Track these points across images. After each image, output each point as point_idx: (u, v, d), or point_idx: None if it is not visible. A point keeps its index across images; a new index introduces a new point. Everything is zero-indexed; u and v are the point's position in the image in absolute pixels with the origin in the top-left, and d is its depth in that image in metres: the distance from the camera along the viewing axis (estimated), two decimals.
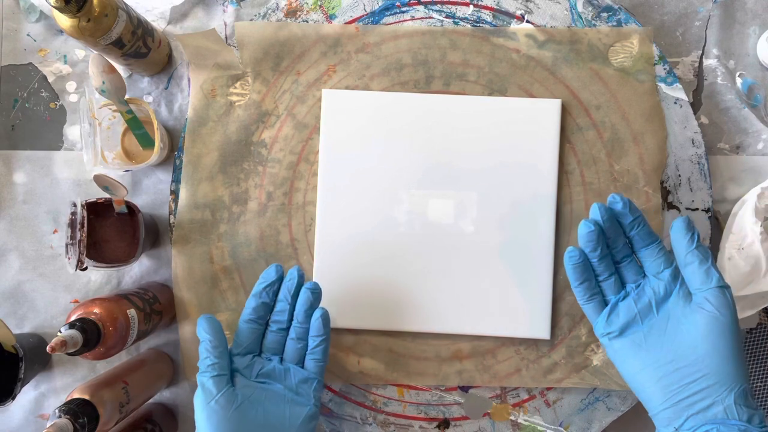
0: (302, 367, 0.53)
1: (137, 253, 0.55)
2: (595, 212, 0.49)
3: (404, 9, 0.60)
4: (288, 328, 0.53)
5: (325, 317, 0.52)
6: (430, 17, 0.60)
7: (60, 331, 0.45)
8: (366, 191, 0.58)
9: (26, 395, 0.61)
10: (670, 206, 0.59)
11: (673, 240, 0.48)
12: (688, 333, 0.46)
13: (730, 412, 0.43)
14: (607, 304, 0.50)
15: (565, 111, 0.59)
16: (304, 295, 0.52)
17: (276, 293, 0.53)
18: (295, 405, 0.50)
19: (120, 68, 0.59)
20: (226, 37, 0.61)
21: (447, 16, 0.60)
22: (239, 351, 0.52)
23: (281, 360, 0.53)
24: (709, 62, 0.61)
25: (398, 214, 0.58)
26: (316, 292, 0.52)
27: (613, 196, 0.48)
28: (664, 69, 0.59)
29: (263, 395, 0.50)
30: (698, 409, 0.44)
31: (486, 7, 0.59)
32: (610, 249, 0.50)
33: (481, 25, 0.59)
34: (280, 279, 0.53)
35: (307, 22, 0.60)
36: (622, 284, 0.51)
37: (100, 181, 0.52)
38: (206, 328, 0.50)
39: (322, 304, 0.53)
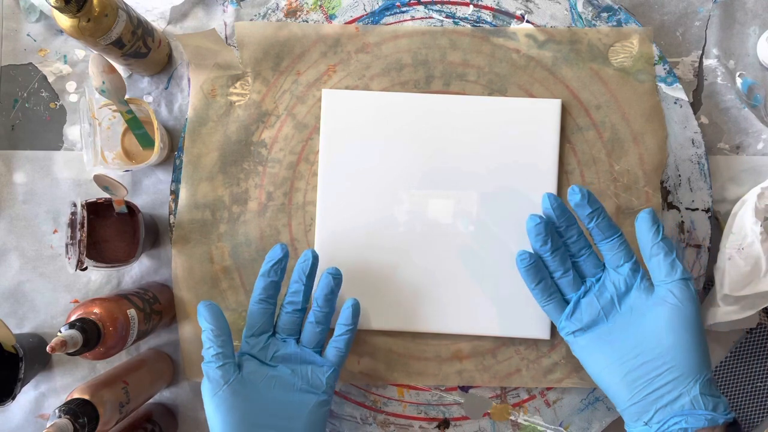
0: (319, 351, 0.52)
1: (137, 253, 0.55)
2: (545, 203, 0.48)
3: (404, 9, 0.60)
4: (303, 309, 0.52)
5: (356, 308, 0.52)
6: (430, 17, 0.60)
7: (60, 331, 0.45)
8: (366, 191, 0.58)
9: (26, 395, 0.61)
10: (670, 206, 0.59)
11: (639, 232, 0.48)
12: (652, 326, 0.46)
13: (697, 403, 0.43)
14: (567, 303, 0.50)
15: (565, 111, 0.59)
16: (325, 280, 0.52)
17: (283, 271, 0.52)
18: (305, 392, 0.50)
19: (120, 68, 0.60)
20: (226, 37, 0.61)
21: (447, 16, 0.60)
22: (253, 332, 0.51)
23: (297, 341, 0.52)
24: (709, 62, 0.61)
25: (398, 214, 0.58)
26: (338, 278, 0.52)
27: (572, 187, 0.48)
28: (664, 69, 0.59)
29: (273, 382, 0.49)
30: (666, 402, 0.44)
31: (486, 7, 0.59)
32: (564, 240, 0.50)
33: (481, 25, 0.59)
34: (286, 256, 0.52)
35: (307, 22, 0.60)
36: (582, 279, 0.50)
37: (100, 181, 0.52)
38: (207, 317, 0.49)
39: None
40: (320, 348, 0.53)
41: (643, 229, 0.47)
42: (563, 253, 0.49)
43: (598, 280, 0.50)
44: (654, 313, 0.46)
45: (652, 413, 0.44)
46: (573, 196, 0.48)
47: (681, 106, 0.59)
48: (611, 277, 0.49)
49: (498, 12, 0.59)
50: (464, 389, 0.59)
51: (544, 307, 0.51)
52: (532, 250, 0.50)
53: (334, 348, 0.52)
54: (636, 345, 0.46)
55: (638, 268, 0.49)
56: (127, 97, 0.56)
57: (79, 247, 0.52)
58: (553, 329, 0.58)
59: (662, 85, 0.59)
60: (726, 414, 0.43)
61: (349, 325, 0.52)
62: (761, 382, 0.61)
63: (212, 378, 0.47)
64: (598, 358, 0.47)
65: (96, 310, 0.49)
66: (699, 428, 0.43)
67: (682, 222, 0.59)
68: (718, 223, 0.60)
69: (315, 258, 0.52)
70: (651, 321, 0.46)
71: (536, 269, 0.49)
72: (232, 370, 0.48)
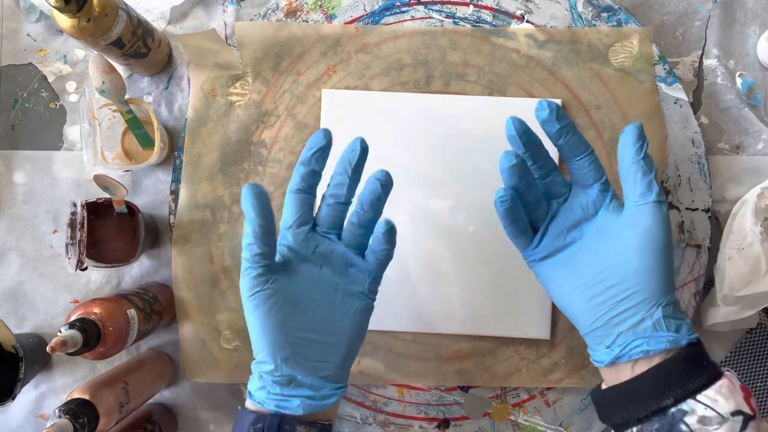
0: (360, 255, 0.48)
1: (137, 253, 0.55)
2: (509, 127, 0.45)
3: (404, 9, 0.60)
4: (347, 203, 0.47)
5: (391, 231, 0.47)
6: (430, 17, 0.60)
7: (60, 331, 0.45)
8: None
9: (26, 395, 0.61)
10: (670, 206, 0.59)
11: (621, 146, 0.44)
12: (619, 250, 0.44)
13: (659, 326, 0.42)
14: (535, 231, 0.48)
15: (565, 111, 0.59)
16: (371, 186, 0.46)
17: (324, 160, 0.46)
18: (348, 295, 0.46)
19: (120, 68, 0.60)
20: (226, 37, 0.61)
21: (447, 16, 0.60)
22: (293, 222, 0.46)
23: (339, 237, 0.48)
24: (709, 62, 0.61)
25: (398, 214, 0.58)
26: (387, 185, 0.46)
27: (540, 102, 0.45)
28: (664, 69, 0.59)
29: (314, 281, 0.45)
30: (628, 326, 0.43)
31: (486, 7, 0.59)
32: (534, 165, 0.46)
33: (481, 25, 0.59)
34: (329, 145, 0.46)
35: (307, 22, 0.60)
36: (548, 201, 0.48)
37: (100, 181, 0.52)
38: (256, 207, 0.43)
39: None
40: (361, 252, 0.48)
41: (627, 143, 0.44)
42: (534, 183, 0.47)
43: (565, 200, 0.47)
44: (623, 237, 0.44)
45: (614, 336, 0.43)
46: (541, 112, 0.45)
47: (681, 106, 0.59)
48: (579, 198, 0.47)
49: (498, 12, 0.59)
50: (464, 389, 0.60)
51: (515, 240, 0.48)
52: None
53: (375, 258, 0.47)
54: (602, 269, 0.44)
55: (608, 188, 0.46)
56: (127, 97, 0.56)
57: (79, 247, 0.52)
58: (554, 329, 0.58)
59: (662, 85, 0.59)
60: (689, 335, 0.42)
61: (386, 248, 0.47)
62: (761, 382, 0.61)
63: (251, 276, 0.43)
64: (562, 283, 0.46)
65: (96, 310, 0.49)
66: (661, 350, 0.42)
67: (682, 222, 0.59)
68: (718, 223, 0.60)
69: (364, 150, 0.46)
70: (619, 244, 0.44)
71: (514, 209, 0.46)
72: (273, 269, 0.44)
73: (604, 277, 0.44)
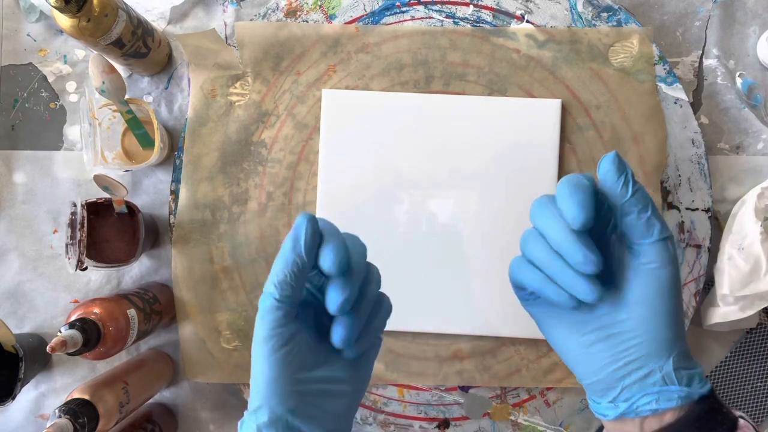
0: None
1: (137, 253, 0.55)
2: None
3: (404, 9, 0.60)
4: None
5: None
6: (430, 17, 0.60)
7: (60, 331, 0.45)
8: (366, 191, 0.58)
9: (26, 395, 0.61)
10: (670, 206, 0.59)
11: (603, 185, 0.39)
12: (621, 294, 0.39)
13: (670, 380, 0.38)
14: None
15: (565, 111, 0.59)
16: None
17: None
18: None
19: (120, 68, 0.60)
20: (226, 37, 0.61)
21: (447, 16, 0.60)
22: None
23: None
24: (709, 62, 0.61)
25: (398, 214, 0.58)
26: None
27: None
28: (664, 69, 0.59)
29: (325, 323, 0.40)
30: (634, 380, 0.38)
31: (486, 7, 0.59)
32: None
33: (481, 25, 0.59)
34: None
35: (307, 22, 0.60)
36: None
37: (100, 181, 0.52)
38: (308, 242, 0.37)
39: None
40: None
41: (610, 182, 0.38)
42: None
43: None
44: (625, 279, 0.39)
45: (619, 390, 0.39)
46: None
47: (681, 106, 0.59)
48: None
49: (498, 12, 0.59)
50: (464, 389, 0.59)
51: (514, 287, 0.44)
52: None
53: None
54: (602, 314, 0.39)
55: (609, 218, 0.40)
56: (127, 97, 0.56)
57: (79, 247, 0.52)
58: None
59: (662, 85, 0.59)
60: (701, 387, 0.38)
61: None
62: (761, 382, 0.61)
63: (278, 315, 0.37)
64: (558, 327, 0.41)
65: (96, 310, 0.49)
66: (672, 408, 0.37)
67: (682, 222, 0.59)
68: (718, 223, 0.60)
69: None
70: (620, 287, 0.39)
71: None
72: (294, 315, 0.39)
73: (604, 323, 0.39)
